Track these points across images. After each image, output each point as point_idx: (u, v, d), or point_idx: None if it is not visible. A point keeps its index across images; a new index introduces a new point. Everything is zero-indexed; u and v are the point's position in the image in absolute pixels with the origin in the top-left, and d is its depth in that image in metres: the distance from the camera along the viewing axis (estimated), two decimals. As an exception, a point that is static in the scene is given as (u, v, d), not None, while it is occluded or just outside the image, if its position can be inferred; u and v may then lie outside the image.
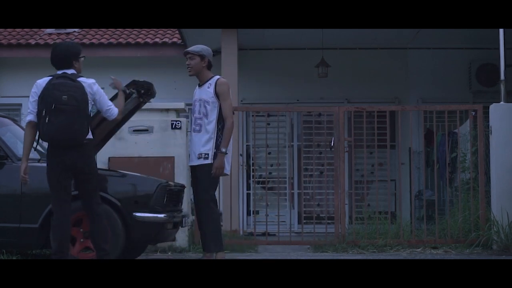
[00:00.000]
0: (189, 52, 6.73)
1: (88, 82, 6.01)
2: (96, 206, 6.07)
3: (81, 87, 5.92)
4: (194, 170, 6.70)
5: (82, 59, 6.15)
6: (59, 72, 6.03)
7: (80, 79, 5.99)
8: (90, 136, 6.04)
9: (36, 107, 5.91)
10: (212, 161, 6.55)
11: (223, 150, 6.53)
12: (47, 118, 5.81)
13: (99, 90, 6.07)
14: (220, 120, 6.62)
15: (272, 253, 8.46)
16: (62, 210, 5.94)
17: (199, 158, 6.61)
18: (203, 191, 6.57)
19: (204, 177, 6.57)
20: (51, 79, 5.95)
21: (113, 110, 6.12)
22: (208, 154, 6.57)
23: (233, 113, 6.79)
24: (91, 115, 6.12)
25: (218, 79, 6.72)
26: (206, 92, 6.66)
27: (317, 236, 9.03)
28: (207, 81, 6.72)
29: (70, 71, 6.03)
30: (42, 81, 5.97)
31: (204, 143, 6.57)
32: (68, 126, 5.80)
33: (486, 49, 11.87)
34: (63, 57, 6.06)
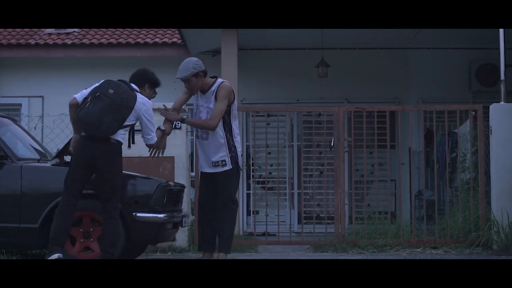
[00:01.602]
0: (182, 79, 6.62)
1: (142, 99, 6.21)
2: (111, 209, 6.12)
3: (133, 97, 6.11)
4: (208, 176, 6.67)
5: (154, 94, 6.47)
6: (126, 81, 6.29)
7: (137, 93, 6.19)
8: (119, 139, 6.13)
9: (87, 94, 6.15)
10: (231, 167, 6.57)
11: (185, 117, 6.62)
12: (88, 104, 6.00)
13: (148, 112, 6.24)
14: (227, 123, 6.60)
15: (272, 253, 8.46)
16: (66, 201, 6.07)
17: (215, 166, 6.58)
18: (226, 194, 6.57)
19: (227, 182, 6.58)
20: (113, 80, 6.22)
21: (153, 138, 6.39)
22: (225, 161, 6.57)
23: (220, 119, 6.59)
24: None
25: (220, 83, 6.66)
26: (211, 99, 6.62)
27: (317, 236, 9.03)
28: (210, 87, 6.66)
29: (135, 86, 6.26)
30: (106, 79, 6.21)
31: (215, 150, 6.56)
32: (98, 116, 5.95)
33: (486, 49, 11.86)
34: (140, 76, 6.39)
